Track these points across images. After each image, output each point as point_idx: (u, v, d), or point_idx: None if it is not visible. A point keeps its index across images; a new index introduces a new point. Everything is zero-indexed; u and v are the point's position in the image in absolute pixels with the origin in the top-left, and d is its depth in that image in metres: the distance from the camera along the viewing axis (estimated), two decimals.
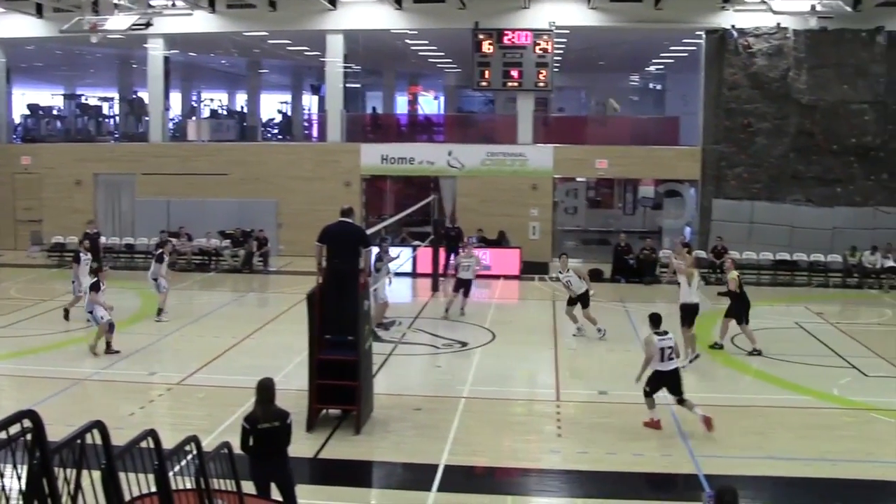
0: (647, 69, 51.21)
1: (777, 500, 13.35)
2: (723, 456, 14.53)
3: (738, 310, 22.37)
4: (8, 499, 5.30)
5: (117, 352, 21.34)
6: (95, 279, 21.43)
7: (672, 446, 15.08)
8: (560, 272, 24.81)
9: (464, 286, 26.50)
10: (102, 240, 34.92)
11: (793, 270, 34.45)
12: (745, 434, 15.82)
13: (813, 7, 29.78)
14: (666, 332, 16.23)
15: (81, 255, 25.80)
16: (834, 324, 26.47)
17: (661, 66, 49.28)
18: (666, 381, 15.88)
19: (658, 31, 37.13)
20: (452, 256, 31.81)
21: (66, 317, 24.98)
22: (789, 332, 25.21)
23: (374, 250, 22.98)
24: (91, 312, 21.19)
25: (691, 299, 21.02)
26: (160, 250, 27.56)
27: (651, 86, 56.84)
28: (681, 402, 15.84)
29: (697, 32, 37.08)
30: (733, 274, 22.76)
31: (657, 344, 15.82)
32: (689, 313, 20.95)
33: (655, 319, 16.51)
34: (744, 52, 35.47)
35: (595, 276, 28.82)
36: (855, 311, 30.28)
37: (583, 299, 23.88)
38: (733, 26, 35.50)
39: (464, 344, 23.10)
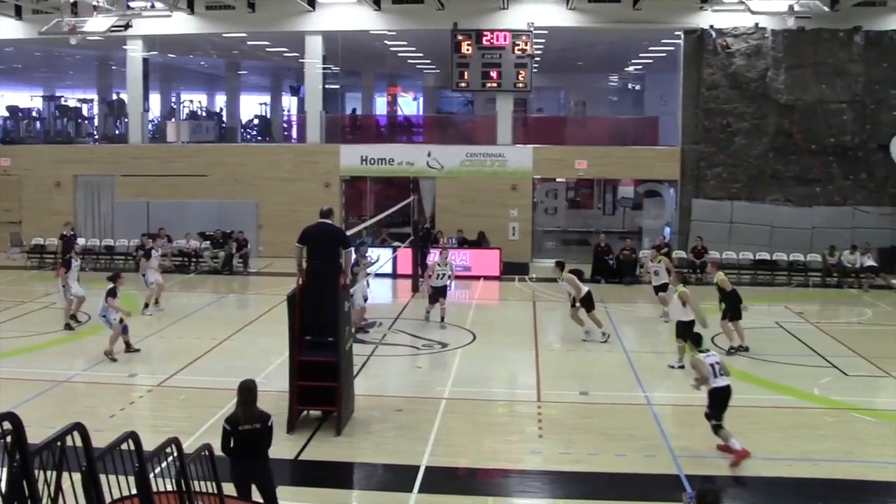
0: (625, 69, 51.23)
1: (759, 500, 13.36)
2: (705, 456, 14.53)
3: (731, 308, 22.41)
4: None
5: (138, 350, 21.73)
6: (112, 286, 21.37)
7: (654, 447, 15.09)
8: (558, 279, 24.72)
9: (440, 293, 25.80)
10: (81, 241, 34.90)
11: (773, 270, 34.60)
12: None
13: (791, 7, 29.85)
14: (708, 350, 15.57)
15: (73, 261, 25.69)
16: (814, 323, 26.54)
17: (640, 67, 49.30)
18: (722, 397, 14.83)
19: (637, 31, 37.20)
20: (424, 257, 31.74)
21: (69, 327, 24.68)
22: (770, 331, 25.22)
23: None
24: (104, 317, 21.14)
25: (688, 317, 20.65)
26: (150, 246, 28.29)
27: (630, 86, 56.86)
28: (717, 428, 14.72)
29: (676, 33, 37.17)
30: (721, 276, 22.80)
31: (706, 362, 14.92)
32: (686, 328, 20.44)
33: (697, 339, 15.81)
34: (722, 52, 35.58)
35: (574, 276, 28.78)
36: (835, 310, 30.39)
37: (585, 302, 23.73)
38: (711, 26, 35.64)
39: (444, 345, 23.08)
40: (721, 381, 14.75)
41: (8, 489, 5.32)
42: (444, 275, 25.80)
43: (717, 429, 14.67)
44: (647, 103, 50.14)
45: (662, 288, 26.02)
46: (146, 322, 25.36)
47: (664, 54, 41.59)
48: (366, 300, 24.75)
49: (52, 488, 5.98)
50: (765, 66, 35.37)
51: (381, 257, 30.75)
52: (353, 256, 20.69)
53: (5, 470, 5.34)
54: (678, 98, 37.41)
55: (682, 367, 20.13)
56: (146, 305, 26.67)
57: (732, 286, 22.87)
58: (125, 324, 21.53)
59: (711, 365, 14.83)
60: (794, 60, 35.16)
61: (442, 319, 25.54)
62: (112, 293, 21.22)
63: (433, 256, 29.62)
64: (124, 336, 21.45)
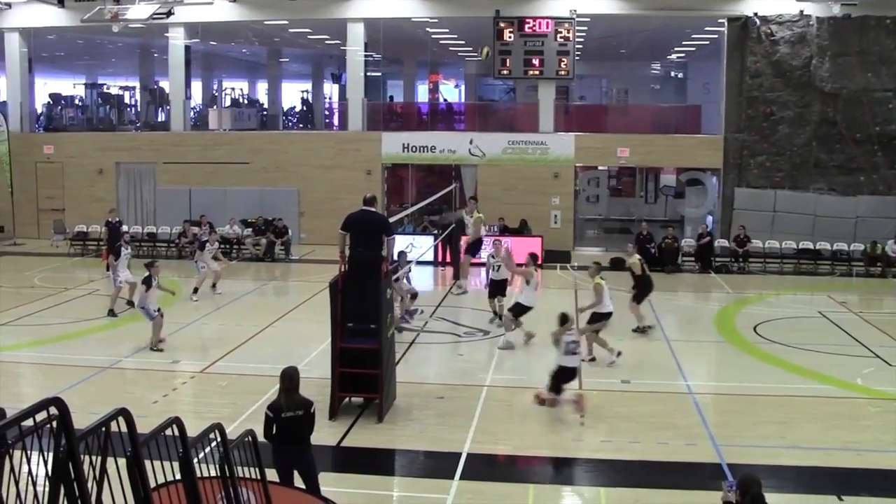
0: (668, 57, 50.95)
1: (800, 490, 13.28)
2: (746, 445, 14.45)
3: (640, 291, 22.92)
4: (35, 483, 5.31)
5: (161, 340, 21.37)
6: (147, 274, 21.30)
7: (695, 436, 15.03)
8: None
9: (499, 290, 24.33)
10: (124, 228, 35.14)
11: (816, 259, 34.19)
12: (768, 423, 15.76)
13: None
14: (572, 329, 16.77)
15: (122, 248, 25.92)
16: (857, 313, 26.31)
17: (683, 55, 49.01)
18: (566, 375, 16.25)
19: (680, 18, 36.96)
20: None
21: (113, 313, 24.87)
22: (812, 321, 25.09)
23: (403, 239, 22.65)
24: (143, 308, 21.11)
25: (606, 308, 20.25)
26: (204, 239, 28.90)
27: (673, 74, 56.56)
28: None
29: (719, 20, 36.83)
30: (634, 260, 23.00)
31: (564, 339, 16.22)
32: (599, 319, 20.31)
33: (564, 318, 16.50)
34: (766, 39, 35.25)
35: (616, 264, 28.71)
36: (879, 300, 30.11)
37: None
38: (756, 14, 35.30)
39: (485, 332, 23.04)
40: (571, 361, 16.16)
41: (54, 472, 5.36)
42: (499, 267, 24.30)
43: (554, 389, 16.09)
44: (690, 91, 49.90)
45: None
46: (195, 307, 25.75)
47: (707, 42, 41.35)
48: (415, 297, 24.76)
49: (97, 472, 6.01)
50: (809, 54, 35.00)
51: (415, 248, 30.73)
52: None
53: (52, 454, 5.37)
54: (721, 86, 37.11)
55: (592, 359, 20.13)
56: (195, 290, 27.09)
57: (646, 274, 23.20)
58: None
59: (567, 343, 16.09)
60: (840, 48, 34.74)
61: (498, 316, 24.08)
62: (147, 282, 21.13)
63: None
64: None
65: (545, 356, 20.97)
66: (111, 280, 25.78)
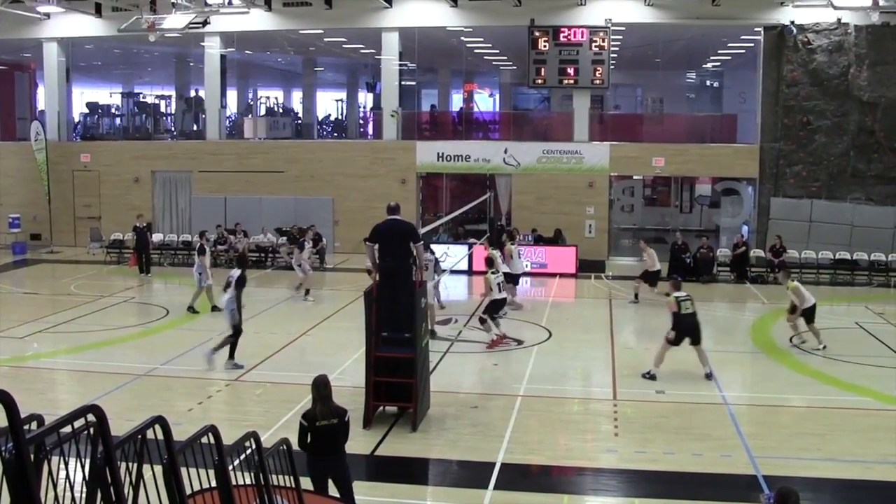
0: (704, 66, 50.77)
1: (837, 503, 13.18)
2: (782, 457, 14.35)
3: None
4: (72, 489, 5.33)
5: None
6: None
7: (731, 447, 14.92)
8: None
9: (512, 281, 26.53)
10: (159, 236, 35.34)
11: (853, 270, 33.95)
12: (805, 435, 15.63)
13: (875, 2, 29.36)
14: (497, 272, 22.48)
15: (206, 246, 26.59)
16: None
17: (719, 63, 48.83)
18: (499, 306, 22.35)
19: (715, 27, 36.84)
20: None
21: (193, 310, 26.11)
22: (849, 332, 24.84)
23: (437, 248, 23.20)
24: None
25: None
26: (301, 238, 30.29)
27: (708, 83, 56.32)
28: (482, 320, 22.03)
29: (756, 29, 36.69)
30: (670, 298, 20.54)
31: (493, 280, 22.04)
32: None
33: (489, 262, 22.75)
34: (803, 48, 35.05)
35: (652, 275, 28.58)
36: None
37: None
38: (792, 22, 35.10)
39: (520, 342, 22.99)
40: (500, 294, 22.31)
41: (91, 479, 5.38)
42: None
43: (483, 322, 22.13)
44: (726, 100, 49.66)
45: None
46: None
47: (743, 51, 41.21)
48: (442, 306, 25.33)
49: (134, 479, 6.03)
50: (847, 62, 34.79)
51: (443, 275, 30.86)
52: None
53: (89, 460, 5.40)
54: (757, 95, 36.94)
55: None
56: (307, 292, 28.70)
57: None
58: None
59: (498, 284, 22.20)
60: (878, 57, 34.50)
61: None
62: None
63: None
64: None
65: (580, 367, 21.04)
66: (196, 279, 26.28)
